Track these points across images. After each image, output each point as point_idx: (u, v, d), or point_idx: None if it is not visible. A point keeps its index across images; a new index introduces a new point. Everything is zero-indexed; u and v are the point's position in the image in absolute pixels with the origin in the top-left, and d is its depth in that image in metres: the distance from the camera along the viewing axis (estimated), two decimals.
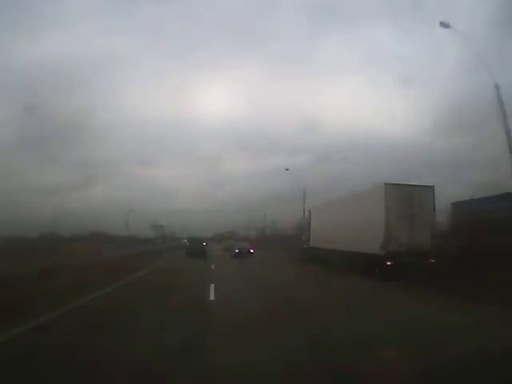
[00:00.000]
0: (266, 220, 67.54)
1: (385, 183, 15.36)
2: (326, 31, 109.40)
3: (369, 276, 14.83)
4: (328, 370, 4.54)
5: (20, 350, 5.37)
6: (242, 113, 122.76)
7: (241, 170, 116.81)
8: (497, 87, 15.76)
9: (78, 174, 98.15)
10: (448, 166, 46.03)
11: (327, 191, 58.28)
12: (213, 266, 22.97)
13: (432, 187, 15.49)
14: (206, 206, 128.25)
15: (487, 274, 11.28)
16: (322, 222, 23.45)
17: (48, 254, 26.22)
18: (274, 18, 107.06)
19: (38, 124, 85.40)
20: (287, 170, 37.94)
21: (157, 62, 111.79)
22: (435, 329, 6.82)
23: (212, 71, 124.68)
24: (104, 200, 78.06)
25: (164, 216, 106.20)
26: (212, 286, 12.88)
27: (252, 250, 35.34)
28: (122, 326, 7.03)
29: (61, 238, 49.51)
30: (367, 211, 16.02)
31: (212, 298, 10.84)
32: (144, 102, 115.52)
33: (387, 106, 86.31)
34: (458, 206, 20.16)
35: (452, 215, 19.90)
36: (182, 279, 16.04)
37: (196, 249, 33.64)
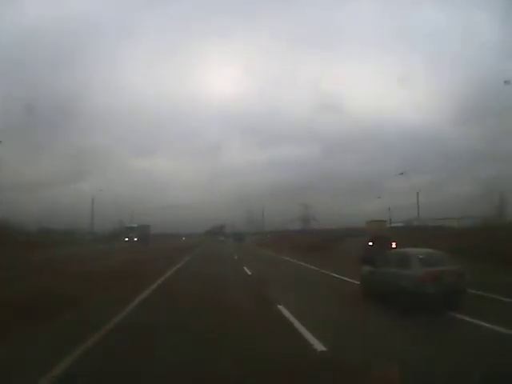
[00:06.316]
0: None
1: None
2: None
3: None
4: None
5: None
6: (249, 95, 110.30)
7: (247, 159, 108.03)
8: None
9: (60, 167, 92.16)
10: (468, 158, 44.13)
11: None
12: None
13: None
14: (206, 198, 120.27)
15: None
16: None
17: None
18: None
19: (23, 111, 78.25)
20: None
21: (152, 30, 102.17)
22: None
23: (217, 43, 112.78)
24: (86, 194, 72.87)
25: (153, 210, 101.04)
26: None
27: None
28: None
29: None
30: None
31: None
32: (137, 83, 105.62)
33: (412, 90, 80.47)
34: None
35: None
36: None
37: None
